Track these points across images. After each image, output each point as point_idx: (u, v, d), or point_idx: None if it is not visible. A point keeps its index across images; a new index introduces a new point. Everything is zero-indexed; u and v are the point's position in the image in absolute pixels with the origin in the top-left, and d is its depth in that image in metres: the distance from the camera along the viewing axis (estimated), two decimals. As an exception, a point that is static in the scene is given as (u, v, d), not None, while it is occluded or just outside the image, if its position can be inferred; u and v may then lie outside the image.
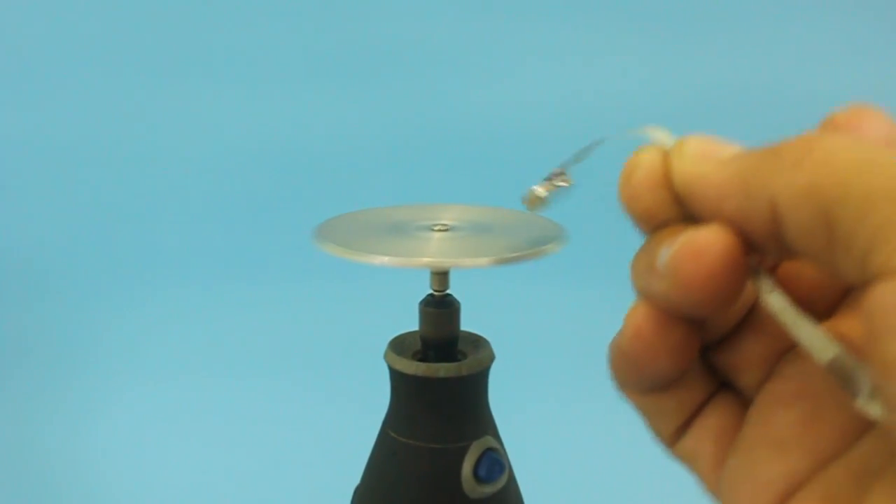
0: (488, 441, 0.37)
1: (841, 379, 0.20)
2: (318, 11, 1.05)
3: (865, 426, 0.21)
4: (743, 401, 0.23)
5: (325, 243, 0.34)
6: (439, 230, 0.36)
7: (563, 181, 0.28)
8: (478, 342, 0.38)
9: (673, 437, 0.24)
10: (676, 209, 0.22)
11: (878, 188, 0.17)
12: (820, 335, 0.20)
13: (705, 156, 0.21)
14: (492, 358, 0.37)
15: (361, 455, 0.39)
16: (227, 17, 1.04)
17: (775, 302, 0.21)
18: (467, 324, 0.38)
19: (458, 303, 0.37)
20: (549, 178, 0.28)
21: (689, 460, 0.24)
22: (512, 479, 0.38)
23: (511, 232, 0.36)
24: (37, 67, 1.03)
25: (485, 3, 1.06)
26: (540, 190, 0.28)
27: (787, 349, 0.23)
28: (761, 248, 0.20)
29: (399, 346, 0.38)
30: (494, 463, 0.36)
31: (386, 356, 0.37)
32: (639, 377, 0.23)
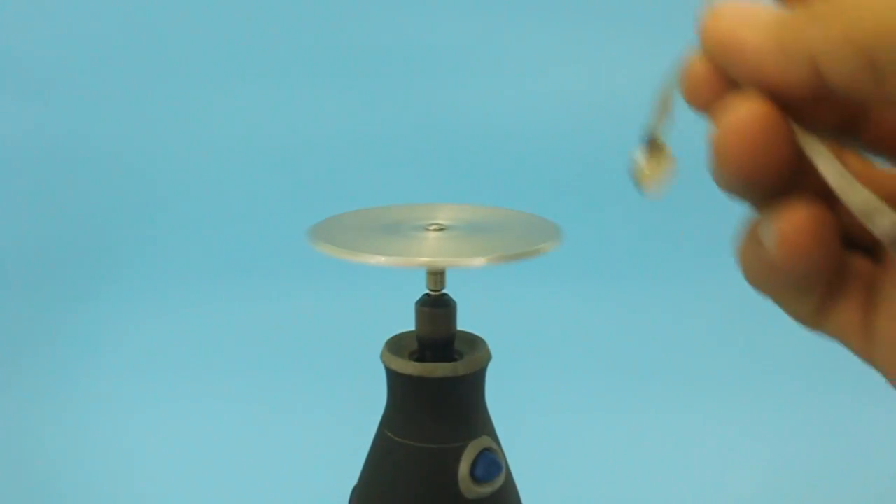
0: (485, 441, 0.37)
1: None
2: (312, 12, 1.05)
3: None
4: (874, 258, 0.23)
5: (320, 243, 0.34)
6: (435, 230, 0.36)
7: (662, 151, 0.25)
8: (474, 342, 0.38)
9: (814, 316, 0.24)
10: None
11: None
12: (876, 203, 0.20)
13: (742, 20, 0.21)
14: (488, 357, 0.37)
15: (359, 455, 0.39)
16: (223, 16, 1.04)
17: (824, 166, 0.21)
18: (463, 323, 0.38)
19: (454, 302, 0.37)
20: (646, 148, 0.26)
21: (836, 335, 0.23)
22: (509, 479, 0.38)
23: (506, 231, 0.36)
24: (36, 66, 1.03)
25: (482, 2, 1.06)
26: (640, 159, 0.25)
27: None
28: (805, 105, 0.20)
29: (395, 346, 0.38)
30: (491, 463, 0.36)
31: (382, 356, 0.37)
32: (790, 280, 0.23)
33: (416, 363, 0.36)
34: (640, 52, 1.04)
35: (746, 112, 0.21)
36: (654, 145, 0.25)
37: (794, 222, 0.21)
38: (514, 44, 1.05)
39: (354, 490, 0.39)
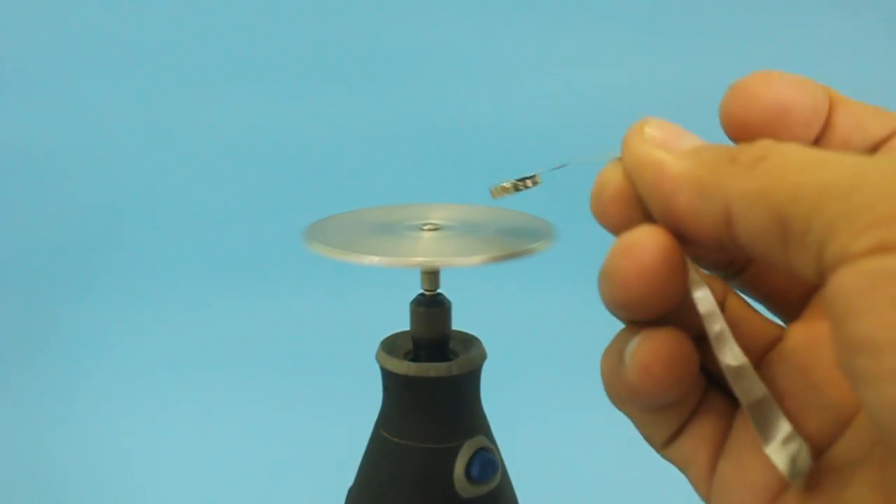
0: (481, 440, 0.37)
1: (756, 419, 0.20)
2: (307, 11, 1.04)
3: (845, 421, 0.21)
4: (733, 401, 0.23)
5: (315, 244, 0.34)
6: (429, 229, 0.36)
7: (532, 182, 0.28)
8: (469, 341, 0.38)
9: (666, 442, 0.24)
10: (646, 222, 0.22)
11: (828, 184, 0.17)
12: (745, 367, 0.20)
13: (664, 143, 0.21)
14: (483, 357, 0.37)
15: (355, 456, 0.39)
16: (219, 15, 1.04)
17: (707, 315, 0.21)
18: (458, 323, 0.38)
19: (449, 302, 0.37)
20: (519, 178, 0.28)
21: (681, 465, 0.24)
22: (505, 479, 0.38)
23: (501, 230, 0.36)
24: (35, 66, 1.03)
25: (478, 3, 1.05)
26: (506, 183, 0.28)
27: (766, 351, 0.23)
28: (708, 246, 0.20)
29: (390, 346, 0.37)
30: (487, 462, 0.36)
31: (377, 356, 0.37)
32: (644, 405, 0.23)
33: (411, 363, 0.36)
34: (639, 53, 1.04)
35: (648, 241, 0.20)
36: (527, 180, 0.28)
37: (653, 350, 0.21)
38: (512, 44, 1.05)
39: (350, 491, 0.39)
